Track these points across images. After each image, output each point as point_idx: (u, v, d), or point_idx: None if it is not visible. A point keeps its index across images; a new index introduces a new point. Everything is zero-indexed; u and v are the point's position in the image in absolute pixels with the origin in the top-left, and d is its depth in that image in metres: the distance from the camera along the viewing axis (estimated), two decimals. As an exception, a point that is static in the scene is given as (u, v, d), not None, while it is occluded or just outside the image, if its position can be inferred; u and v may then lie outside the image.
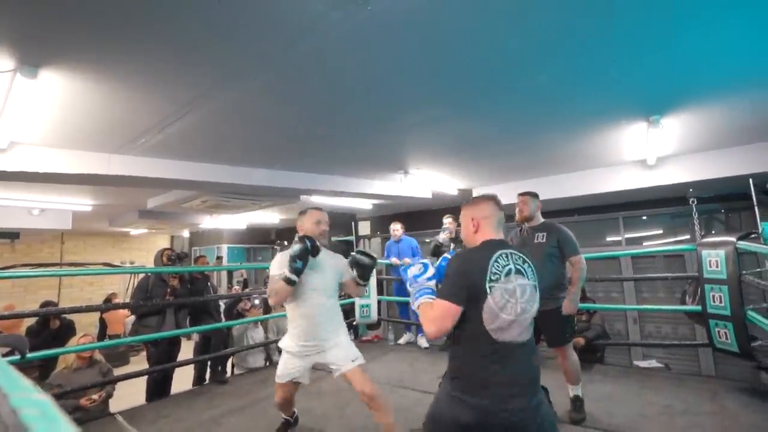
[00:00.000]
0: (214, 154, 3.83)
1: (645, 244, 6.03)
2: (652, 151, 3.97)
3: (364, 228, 8.81)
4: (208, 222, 8.28)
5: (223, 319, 4.39)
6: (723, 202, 5.11)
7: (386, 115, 2.99)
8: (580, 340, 3.64)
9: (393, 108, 2.86)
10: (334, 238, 7.08)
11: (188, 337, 5.22)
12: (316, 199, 5.84)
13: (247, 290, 6.25)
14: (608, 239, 6.32)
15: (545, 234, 2.64)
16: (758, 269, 3.17)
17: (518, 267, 1.37)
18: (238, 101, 2.59)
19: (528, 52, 2.11)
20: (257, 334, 4.16)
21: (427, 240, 6.13)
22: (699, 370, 4.95)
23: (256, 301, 4.40)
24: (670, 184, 4.46)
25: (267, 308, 4.87)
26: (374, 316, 4.68)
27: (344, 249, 6.87)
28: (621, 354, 5.35)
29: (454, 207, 6.82)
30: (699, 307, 3.02)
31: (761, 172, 3.87)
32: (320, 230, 2.14)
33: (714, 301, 2.88)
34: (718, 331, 2.86)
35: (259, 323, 4.28)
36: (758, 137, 3.77)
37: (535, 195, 2.81)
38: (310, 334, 2.12)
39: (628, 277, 5.45)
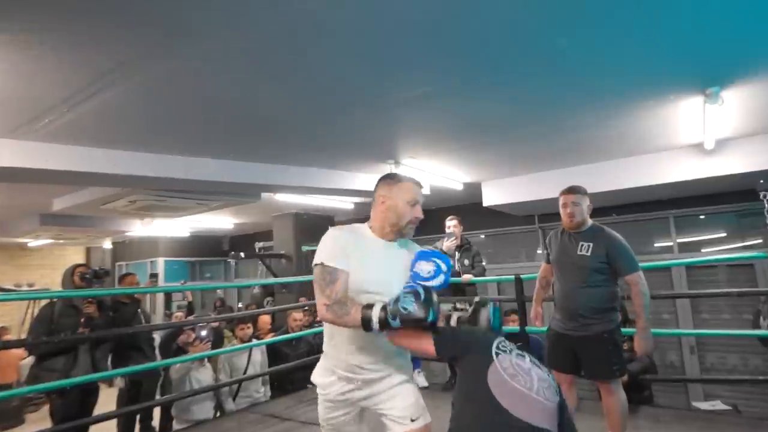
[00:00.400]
0: (145, 140, 3.78)
1: (703, 250, 6.14)
2: (710, 132, 4.02)
3: (345, 234, 8.79)
4: (139, 229, 8.16)
5: (159, 357, 4.31)
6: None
7: (372, 88, 2.98)
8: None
9: (381, 80, 2.85)
10: (304, 247, 7.05)
11: (110, 382, 5.14)
12: (283, 198, 5.82)
13: (191, 318, 6.15)
14: (656, 245, 6.43)
15: (591, 245, 2.60)
16: None
17: None
18: (177, 72, 2.55)
19: (542, 9, 2.12)
20: (204, 376, 4.10)
21: (426, 248, 6.15)
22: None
23: (203, 333, 4.34)
24: (734, 173, 4.52)
25: (217, 341, 4.81)
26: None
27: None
28: (675, 392, 5.43)
29: (458, 206, 6.95)
30: (773, 331, 3.07)
31: None
32: (413, 216, 1.75)
33: (792, 323, 2.93)
34: (798, 362, 2.91)
35: (207, 361, 4.22)
36: (842, 114, 3.86)
37: (585, 192, 2.76)
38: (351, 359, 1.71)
39: (682, 293, 5.54)
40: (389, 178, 1.83)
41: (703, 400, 4.99)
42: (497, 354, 1.38)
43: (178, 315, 6.58)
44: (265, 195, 5.51)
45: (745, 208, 5.49)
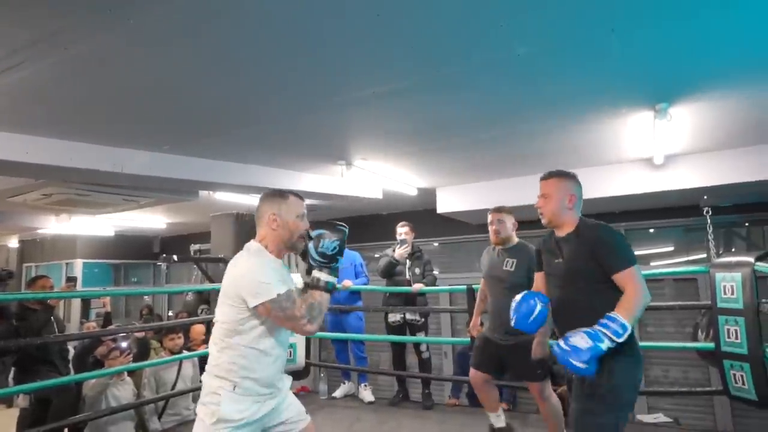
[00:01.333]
0: (63, 125, 3.58)
1: (652, 264, 6.55)
2: (659, 147, 4.32)
3: (290, 238, 8.70)
4: (54, 226, 7.70)
5: (72, 372, 4.08)
6: (744, 213, 5.70)
7: (323, 84, 2.98)
8: (565, 388, 3.83)
9: (332, 76, 2.86)
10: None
11: (9, 402, 4.82)
12: (223, 197, 5.69)
13: (111, 327, 5.86)
14: (608, 258, 6.77)
15: (515, 260, 3.01)
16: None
17: None
18: (105, 51, 2.44)
19: (502, 14, 2.21)
20: (123, 392, 3.91)
21: (376, 255, 6.18)
22: (714, 424, 5.43)
23: (123, 344, 4.17)
24: (682, 188, 4.88)
25: (142, 353, 4.62)
26: (301, 360, 4.61)
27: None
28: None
29: (412, 212, 7.04)
30: (712, 345, 3.31)
31: (784, 177, 4.38)
32: (303, 229, 1.99)
33: (729, 337, 3.17)
34: (734, 375, 3.16)
35: (127, 376, 4.04)
36: (779, 136, 4.27)
37: (509, 211, 3.15)
38: (274, 378, 1.93)
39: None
40: (277, 195, 2.01)
41: (646, 413, 5.32)
42: None
43: (90, 325, 6.20)
44: (203, 193, 5.36)
45: (691, 222, 5.91)
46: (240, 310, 1.81)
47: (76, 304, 9.18)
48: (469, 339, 3.90)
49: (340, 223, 2.00)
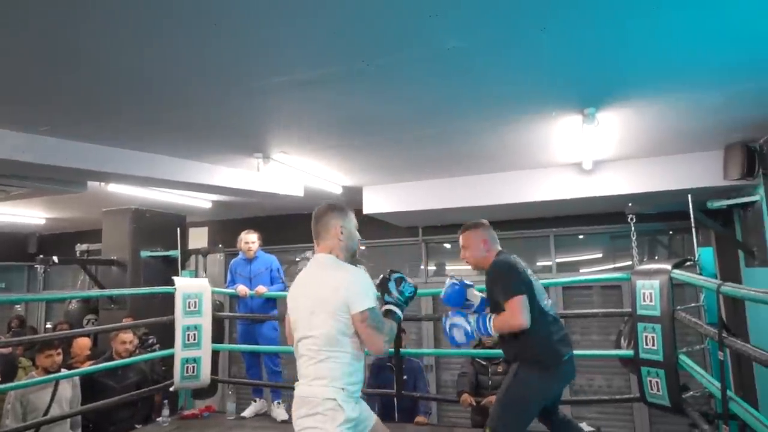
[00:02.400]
0: None
1: (582, 270, 7.01)
2: (587, 152, 4.65)
3: (199, 237, 8.43)
4: None
5: None
6: (667, 221, 6.24)
7: (237, 65, 2.91)
8: (494, 399, 4.04)
9: (248, 56, 2.81)
10: (145, 253, 6.59)
11: None
12: (118, 190, 5.41)
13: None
14: (539, 263, 7.17)
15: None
16: (694, 304, 3.94)
17: None
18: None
19: (435, 5, 2.29)
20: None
21: (297, 258, 6.11)
22: (633, 431, 5.92)
23: None
24: (609, 195, 5.27)
25: (7, 373, 4.26)
26: (206, 375, 4.49)
27: (163, 269, 6.46)
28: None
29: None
30: (632, 352, 3.61)
31: (701, 186, 4.85)
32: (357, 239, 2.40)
33: (647, 344, 3.47)
34: (650, 381, 3.46)
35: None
36: (699, 146, 4.73)
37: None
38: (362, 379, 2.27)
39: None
40: (340, 209, 2.32)
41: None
42: None
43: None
44: (92, 184, 5.04)
45: (618, 229, 6.38)
46: (346, 319, 2.07)
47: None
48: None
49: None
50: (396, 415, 4.63)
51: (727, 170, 4.72)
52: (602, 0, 2.29)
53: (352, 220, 2.31)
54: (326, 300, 2.08)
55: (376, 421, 2.26)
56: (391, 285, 2.34)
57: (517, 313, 2.52)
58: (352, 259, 2.32)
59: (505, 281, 2.64)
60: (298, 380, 2.17)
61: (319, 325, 2.08)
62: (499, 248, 2.89)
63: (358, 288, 2.08)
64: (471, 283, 2.98)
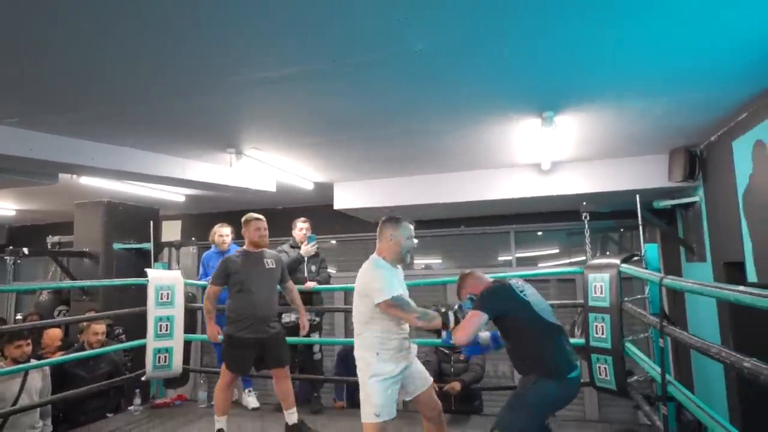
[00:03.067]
0: None
1: (540, 264, 7.15)
2: (546, 154, 4.75)
3: (172, 230, 8.28)
4: None
5: None
6: (617, 219, 6.40)
7: (207, 62, 2.86)
8: (455, 385, 4.11)
9: (221, 52, 2.76)
10: (117, 245, 6.43)
11: None
12: (90, 183, 5.26)
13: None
14: (500, 258, 7.29)
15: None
16: (640, 296, 4.07)
17: None
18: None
19: (403, 10, 2.29)
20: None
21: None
22: (584, 414, 6.09)
23: None
24: (566, 194, 5.39)
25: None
26: (178, 365, 4.42)
27: (136, 261, 6.32)
28: (503, 400, 6.20)
29: (309, 207, 7.02)
30: (583, 340, 3.72)
31: (648, 188, 5.01)
32: (411, 246, 2.98)
33: (597, 333, 3.58)
34: (599, 367, 3.57)
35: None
36: (646, 150, 4.89)
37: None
38: (402, 346, 2.80)
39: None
40: (394, 221, 2.86)
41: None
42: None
43: None
44: (64, 176, 4.88)
45: (573, 226, 6.53)
46: (370, 305, 2.67)
47: None
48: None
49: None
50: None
51: (671, 173, 4.88)
52: (558, 11, 2.34)
53: (405, 231, 2.82)
54: (359, 289, 2.78)
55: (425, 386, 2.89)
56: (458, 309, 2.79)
57: (468, 325, 2.63)
58: (401, 261, 2.90)
59: (477, 299, 2.76)
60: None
61: (355, 307, 2.82)
62: (490, 279, 3.01)
63: (376, 284, 2.66)
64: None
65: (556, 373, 2.62)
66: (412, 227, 2.87)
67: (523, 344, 2.76)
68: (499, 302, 2.71)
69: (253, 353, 3.59)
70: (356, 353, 2.76)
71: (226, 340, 3.57)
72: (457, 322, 2.66)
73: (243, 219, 3.78)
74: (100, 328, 4.42)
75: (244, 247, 3.78)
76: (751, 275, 3.74)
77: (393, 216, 2.88)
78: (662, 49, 2.80)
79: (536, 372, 2.64)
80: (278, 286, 3.83)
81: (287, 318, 4.56)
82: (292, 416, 3.68)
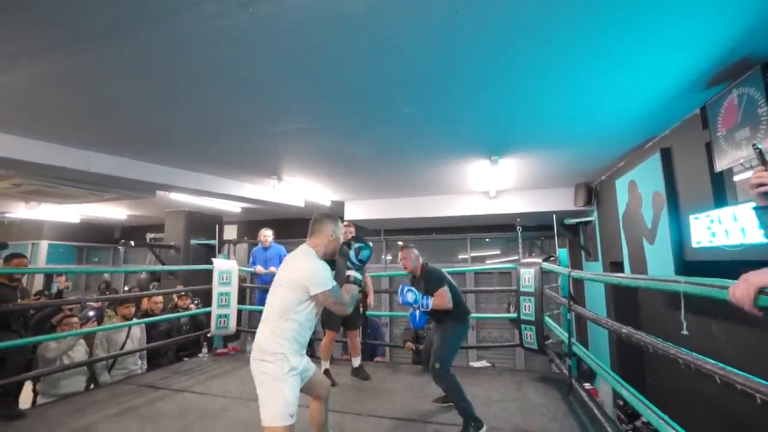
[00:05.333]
0: (38, 126, 3.12)
1: (487, 262, 7.15)
2: (493, 184, 4.79)
3: (231, 232, 8.24)
4: (22, 212, 6.57)
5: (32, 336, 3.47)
6: (540, 231, 6.44)
7: (258, 119, 2.92)
8: (411, 345, 4.16)
9: (266, 113, 2.81)
10: (193, 241, 6.40)
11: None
12: (177, 197, 5.25)
13: (72, 299, 5.11)
14: (459, 257, 7.29)
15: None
16: (555, 284, 4.08)
17: None
18: (78, 68, 2.19)
19: (395, 84, 2.35)
20: (76, 353, 3.42)
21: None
22: (514, 365, 6.08)
23: (90, 313, 3.67)
24: (505, 213, 5.42)
25: (99, 319, 4.10)
26: (233, 326, 4.38)
27: (206, 253, 6.28)
28: (460, 356, 6.18)
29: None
30: (515, 315, 3.71)
31: (561, 210, 5.05)
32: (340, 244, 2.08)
33: (525, 310, 3.58)
34: (527, 333, 3.57)
35: (81, 338, 3.54)
36: (560, 184, 4.93)
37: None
38: (307, 341, 1.91)
39: (470, 289, 6.35)
40: (333, 218, 2.01)
41: (476, 361, 5.77)
42: None
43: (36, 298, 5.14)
44: (160, 192, 4.91)
45: (510, 236, 6.56)
46: (300, 295, 1.78)
47: (39, 277, 7.89)
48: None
49: (368, 241, 2.12)
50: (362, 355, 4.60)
51: (576, 200, 4.93)
52: (504, 90, 2.39)
53: (341, 230, 2.02)
54: (288, 277, 1.81)
55: (315, 371, 1.97)
56: (351, 253, 1.97)
57: (444, 297, 2.63)
58: (330, 257, 1.98)
59: (436, 280, 2.71)
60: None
61: (278, 296, 1.82)
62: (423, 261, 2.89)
63: (318, 277, 1.79)
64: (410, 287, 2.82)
65: (462, 320, 2.72)
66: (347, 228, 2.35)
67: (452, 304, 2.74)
68: (446, 280, 2.74)
69: (339, 318, 3.31)
70: (269, 346, 1.76)
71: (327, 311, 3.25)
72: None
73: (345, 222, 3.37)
74: (159, 298, 4.41)
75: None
76: (627, 271, 3.77)
77: (332, 213, 2.11)
78: (567, 119, 2.88)
79: (452, 321, 2.67)
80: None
81: None
82: (356, 361, 3.56)
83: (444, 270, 2.84)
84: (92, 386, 3.52)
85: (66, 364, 3.24)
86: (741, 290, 0.95)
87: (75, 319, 3.55)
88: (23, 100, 2.58)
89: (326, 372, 3.30)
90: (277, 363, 1.74)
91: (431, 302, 2.64)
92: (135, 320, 3.85)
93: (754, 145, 1.06)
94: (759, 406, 1.00)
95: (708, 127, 2.48)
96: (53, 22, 1.77)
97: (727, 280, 1.06)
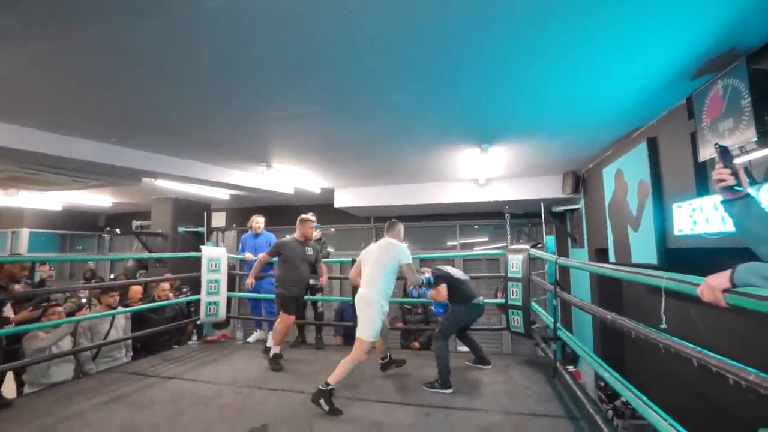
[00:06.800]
0: (17, 111, 3.02)
1: (476, 249, 7.23)
2: (482, 172, 4.82)
3: (219, 219, 8.15)
4: (1, 199, 6.38)
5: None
6: (528, 218, 6.53)
7: (248, 105, 2.87)
8: (416, 345, 4.32)
9: (256, 99, 2.76)
10: (181, 229, 6.32)
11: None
12: (163, 184, 5.16)
13: (54, 288, 5.03)
14: (448, 243, 7.36)
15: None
16: (542, 270, 4.16)
17: None
18: (62, 50, 2.11)
19: (386, 71, 2.33)
20: (63, 342, 3.38)
21: (287, 237, 6.10)
22: (501, 349, 6.23)
23: (84, 300, 3.61)
24: (494, 200, 5.47)
25: (80, 309, 4.04)
26: (222, 314, 4.37)
27: (194, 240, 6.22)
28: (451, 342, 6.30)
29: (315, 204, 6.99)
30: (503, 300, 3.79)
31: (549, 198, 5.12)
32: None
33: (513, 295, 3.65)
34: (514, 318, 3.65)
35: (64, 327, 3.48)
36: (548, 172, 4.99)
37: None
38: None
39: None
40: (400, 223, 3.04)
41: (464, 346, 5.89)
42: None
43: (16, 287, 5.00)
44: (146, 179, 4.81)
45: (498, 223, 6.63)
46: (395, 264, 2.78)
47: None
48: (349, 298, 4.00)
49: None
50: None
51: (563, 188, 5.00)
52: (493, 78, 2.39)
53: (402, 229, 3.03)
54: (389, 254, 2.80)
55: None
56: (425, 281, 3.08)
57: (440, 293, 3.10)
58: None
59: (436, 278, 3.15)
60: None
61: (381, 265, 2.78)
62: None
63: (405, 252, 2.81)
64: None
65: (463, 303, 3.16)
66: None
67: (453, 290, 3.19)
68: (445, 277, 3.11)
69: (294, 302, 3.55)
70: (372, 296, 2.71)
71: (280, 296, 3.52)
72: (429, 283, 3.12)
73: (300, 218, 3.64)
74: (167, 285, 4.36)
75: (296, 236, 3.67)
76: (612, 257, 3.87)
77: (398, 221, 3.05)
78: (555, 109, 2.91)
79: (455, 304, 3.16)
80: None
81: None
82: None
83: (444, 267, 3.27)
84: (80, 375, 3.49)
85: (54, 353, 3.20)
86: (708, 296, 1.07)
87: (59, 309, 3.49)
88: (1, 83, 2.48)
89: (276, 357, 3.43)
90: (376, 303, 2.73)
91: (429, 293, 3.14)
92: (120, 309, 3.80)
93: (716, 144, 1.17)
94: (731, 387, 1.06)
95: (693, 117, 2.53)
96: (34, 1, 1.69)
97: (700, 278, 1.13)
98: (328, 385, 2.48)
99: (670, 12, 1.76)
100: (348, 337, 4.65)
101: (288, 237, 3.72)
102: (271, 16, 1.80)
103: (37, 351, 3.16)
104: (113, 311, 3.68)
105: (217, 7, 1.73)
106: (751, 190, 1.11)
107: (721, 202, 1.16)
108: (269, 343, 4.39)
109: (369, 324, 2.67)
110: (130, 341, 3.89)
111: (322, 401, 2.45)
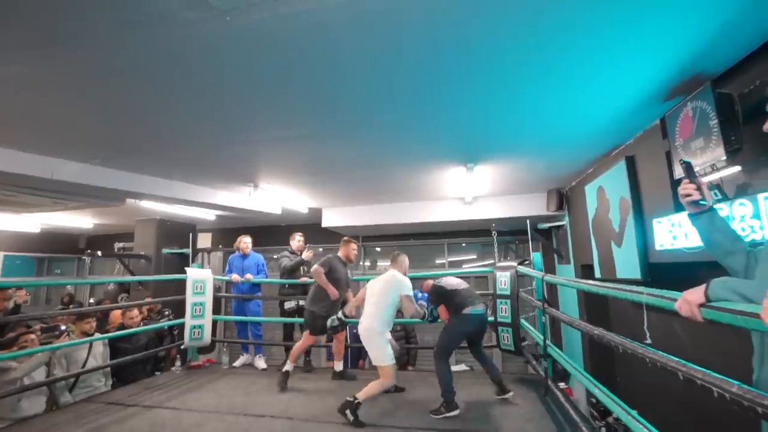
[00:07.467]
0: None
1: (464, 266, 7.25)
2: (468, 191, 4.89)
3: (205, 240, 8.01)
4: (-26, 222, 6.17)
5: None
6: (515, 235, 6.60)
7: (233, 127, 2.87)
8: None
9: (240, 122, 2.77)
10: (165, 250, 6.18)
11: None
12: (148, 205, 5.07)
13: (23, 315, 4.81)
14: (437, 261, 7.36)
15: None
16: (529, 287, 4.19)
17: None
18: (46, 72, 2.09)
19: (373, 94, 2.38)
20: (36, 372, 3.20)
21: (275, 257, 6.01)
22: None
23: (63, 327, 3.44)
24: (481, 218, 5.53)
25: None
26: (207, 338, 4.25)
27: (178, 262, 6.08)
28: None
29: (303, 225, 6.94)
30: (492, 318, 3.78)
31: (534, 215, 5.21)
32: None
33: (502, 313, 3.65)
34: (503, 336, 3.63)
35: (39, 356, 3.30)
36: (533, 189, 5.09)
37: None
38: None
39: (448, 294, 6.42)
40: (404, 255, 3.21)
41: (455, 365, 5.82)
42: None
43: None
44: (129, 200, 4.72)
45: (486, 240, 6.68)
46: (396, 296, 2.88)
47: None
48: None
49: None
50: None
51: (548, 205, 5.10)
52: (475, 101, 2.47)
53: (406, 260, 3.17)
54: (391, 286, 2.91)
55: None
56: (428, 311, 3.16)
57: (443, 312, 3.19)
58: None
59: (435, 300, 3.22)
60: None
61: (385, 297, 2.89)
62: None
63: (405, 284, 2.91)
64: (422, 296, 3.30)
65: (456, 315, 3.08)
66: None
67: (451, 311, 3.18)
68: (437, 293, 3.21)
69: (322, 323, 3.49)
70: (375, 327, 2.83)
71: (311, 314, 3.50)
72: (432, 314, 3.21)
73: (344, 239, 3.77)
74: (135, 313, 4.18)
75: (339, 254, 3.73)
76: (597, 273, 3.93)
77: (402, 252, 3.21)
78: (538, 130, 2.99)
79: (451, 317, 3.13)
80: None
81: (289, 305, 4.42)
82: (339, 365, 3.83)
83: (439, 281, 3.31)
84: (54, 408, 3.30)
85: (26, 384, 3.03)
86: (685, 311, 1.10)
87: (33, 336, 3.31)
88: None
89: (286, 373, 3.46)
90: (380, 332, 2.86)
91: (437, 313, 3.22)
92: (97, 336, 3.64)
93: (681, 160, 1.22)
94: (716, 399, 1.08)
95: (667, 136, 2.64)
96: (18, 23, 1.69)
97: (677, 293, 1.16)
98: (356, 398, 2.60)
99: (641, 41, 1.87)
100: (353, 356, 4.55)
101: (331, 256, 3.69)
102: (257, 42, 1.83)
103: (8, 383, 2.98)
104: (89, 338, 3.51)
105: (204, 34, 1.75)
106: (719, 205, 1.17)
107: (688, 216, 1.21)
108: (258, 365, 4.28)
109: (380, 352, 2.79)
110: (109, 369, 3.72)
111: (348, 412, 2.57)
